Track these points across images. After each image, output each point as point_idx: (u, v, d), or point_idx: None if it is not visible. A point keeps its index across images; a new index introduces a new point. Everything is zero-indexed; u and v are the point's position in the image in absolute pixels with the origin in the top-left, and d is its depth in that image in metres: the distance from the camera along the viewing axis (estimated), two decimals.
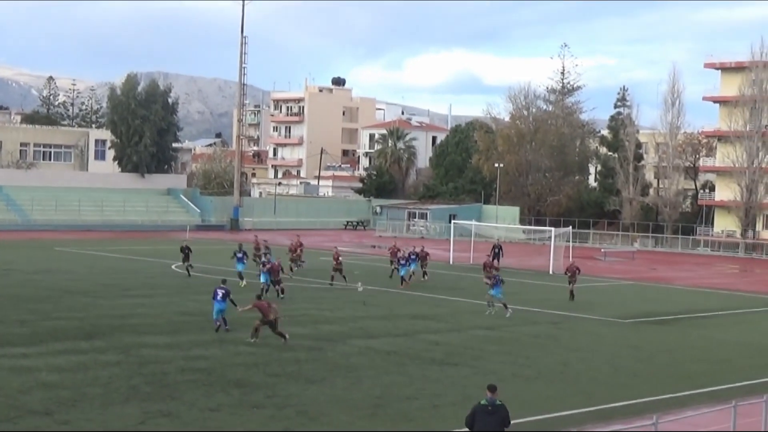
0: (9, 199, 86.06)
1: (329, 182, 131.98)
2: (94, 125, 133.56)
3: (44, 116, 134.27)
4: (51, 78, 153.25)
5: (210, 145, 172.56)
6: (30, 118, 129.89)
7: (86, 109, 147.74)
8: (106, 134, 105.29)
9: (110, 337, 28.03)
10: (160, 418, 19.14)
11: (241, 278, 41.68)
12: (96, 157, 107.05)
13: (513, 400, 21.64)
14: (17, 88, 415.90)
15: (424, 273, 47.71)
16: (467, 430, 15.08)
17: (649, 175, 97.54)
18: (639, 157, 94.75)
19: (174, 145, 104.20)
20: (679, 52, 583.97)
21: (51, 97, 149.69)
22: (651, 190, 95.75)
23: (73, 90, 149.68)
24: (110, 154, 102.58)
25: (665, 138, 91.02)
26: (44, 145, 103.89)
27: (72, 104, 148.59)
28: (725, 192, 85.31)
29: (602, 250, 74.71)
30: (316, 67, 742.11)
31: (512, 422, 19.15)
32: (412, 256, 45.56)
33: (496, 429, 14.80)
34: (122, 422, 18.67)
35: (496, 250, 56.13)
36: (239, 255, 43.21)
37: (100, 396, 20.68)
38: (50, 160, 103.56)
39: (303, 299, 39.16)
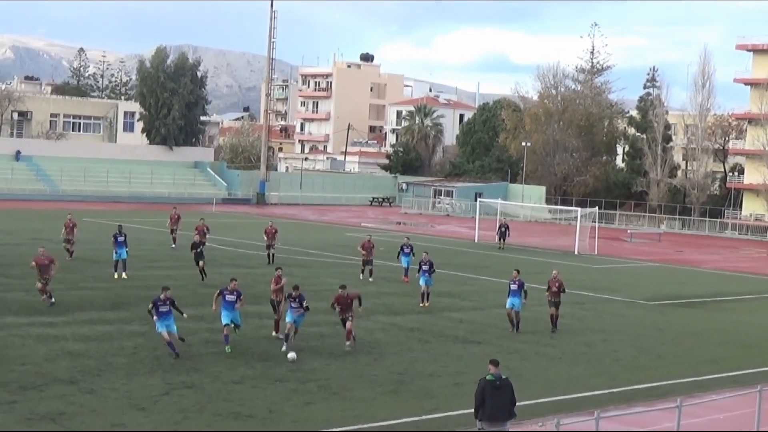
0: (39, 170, 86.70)
1: (356, 158, 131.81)
2: (123, 97, 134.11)
3: (74, 88, 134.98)
4: (81, 50, 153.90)
5: (238, 119, 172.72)
6: (60, 90, 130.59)
7: (116, 81, 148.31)
8: (134, 106, 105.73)
9: (136, 308, 28.21)
10: (183, 389, 19.28)
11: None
12: (125, 129, 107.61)
13: (536, 380, 21.68)
14: (48, 59, 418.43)
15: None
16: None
17: (678, 157, 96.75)
18: (668, 139, 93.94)
19: (202, 118, 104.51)
20: (710, 33, 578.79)
21: (81, 68, 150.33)
22: (679, 172, 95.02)
23: (103, 62, 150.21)
24: (139, 126, 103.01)
25: (695, 120, 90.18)
26: (74, 117, 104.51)
27: (102, 76, 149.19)
28: (754, 175, 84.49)
29: (628, 231, 74.32)
30: (345, 43, 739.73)
31: (535, 402, 19.30)
32: (406, 249, 38.67)
33: (507, 407, 14.86)
34: (146, 392, 18.83)
35: (503, 230, 56.57)
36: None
37: (125, 366, 20.86)
38: (79, 131, 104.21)
39: (327, 274, 39.21)
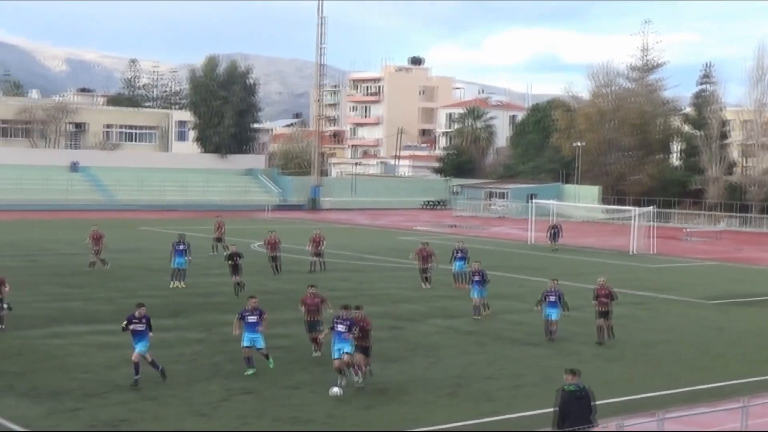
0: (95, 180, 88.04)
1: (407, 162, 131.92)
2: (175, 107, 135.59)
3: (127, 98, 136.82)
4: (133, 60, 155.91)
5: (289, 125, 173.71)
6: (114, 101, 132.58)
7: (168, 91, 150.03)
8: (187, 116, 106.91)
9: (193, 315, 28.47)
10: (242, 395, 19.39)
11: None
12: (178, 138, 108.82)
13: (594, 382, 21.30)
14: (101, 70, 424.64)
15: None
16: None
17: (735, 154, 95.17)
18: (724, 135, 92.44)
19: (254, 125, 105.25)
20: (765, 28, 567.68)
21: (133, 79, 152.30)
22: (737, 169, 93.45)
23: (155, 72, 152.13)
24: (192, 135, 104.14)
25: (752, 115, 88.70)
26: (128, 127, 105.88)
27: (154, 86, 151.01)
28: None
29: (686, 230, 73.28)
30: (395, 47, 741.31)
31: (593, 403, 19.03)
32: (458, 254, 37.05)
33: (588, 415, 14.38)
34: (206, 398, 18.97)
35: (554, 231, 56.00)
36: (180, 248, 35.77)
37: (185, 373, 21.03)
38: (134, 141, 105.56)
39: (382, 278, 39.23)
